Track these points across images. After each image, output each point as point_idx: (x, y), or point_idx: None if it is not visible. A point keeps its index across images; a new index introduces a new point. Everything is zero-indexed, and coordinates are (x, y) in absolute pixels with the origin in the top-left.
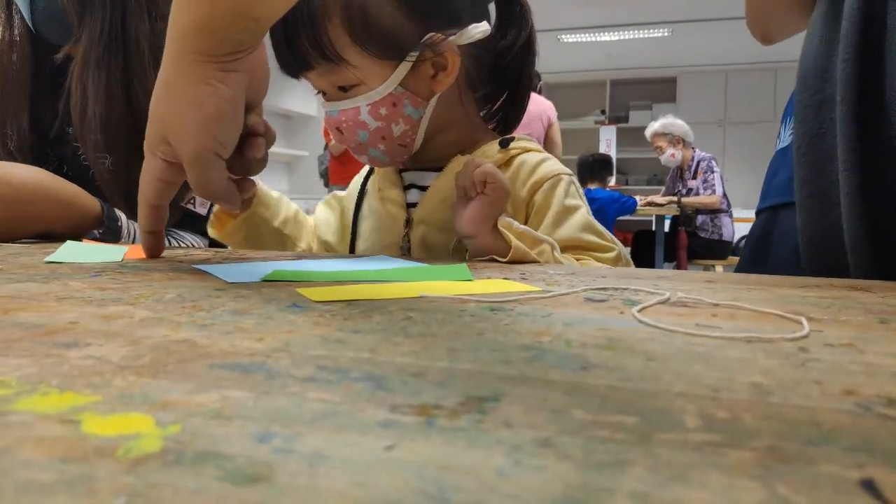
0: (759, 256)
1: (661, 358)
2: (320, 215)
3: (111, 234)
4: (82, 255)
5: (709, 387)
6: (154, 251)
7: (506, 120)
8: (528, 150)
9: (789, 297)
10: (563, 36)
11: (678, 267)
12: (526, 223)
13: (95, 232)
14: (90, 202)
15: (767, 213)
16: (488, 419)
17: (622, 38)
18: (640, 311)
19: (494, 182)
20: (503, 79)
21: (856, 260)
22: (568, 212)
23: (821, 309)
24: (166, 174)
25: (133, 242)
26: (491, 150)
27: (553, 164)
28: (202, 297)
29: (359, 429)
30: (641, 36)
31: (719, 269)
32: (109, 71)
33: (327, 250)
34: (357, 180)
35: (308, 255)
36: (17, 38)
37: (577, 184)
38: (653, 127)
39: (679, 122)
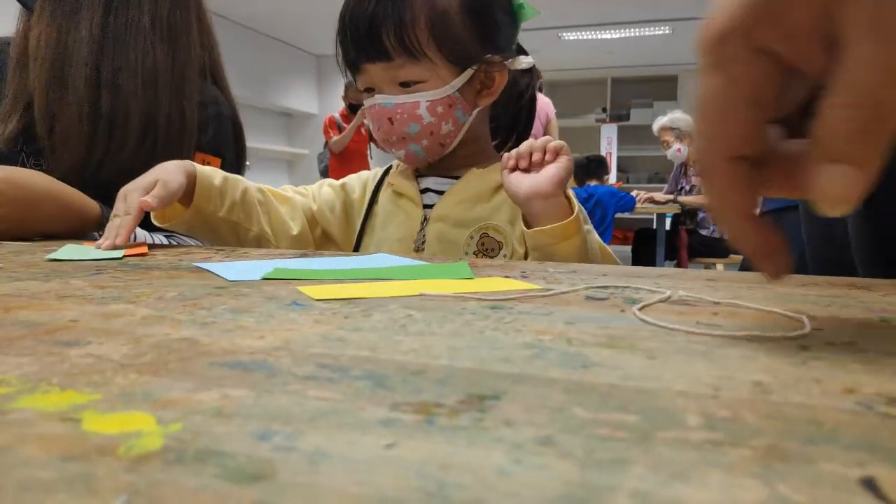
0: None
1: (662, 356)
2: (325, 197)
3: None
4: (82, 254)
5: (709, 385)
6: None
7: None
8: None
9: (790, 296)
10: (565, 34)
11: (679, 266)
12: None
13: (95, 234)
14: (90, 204)
15: (772, 216)
16: (488, 417)
17: (623, 35)
18: (640, 309)
19: (568, 153)
20: (513, 120)
21: (867, 274)
22: None
23: (822, 307)
24: None
25: (135, 241)
26: None
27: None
28: (203, 295)
29: (359, 427)
30: (643, 34)
31: (720, 267)
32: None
33: (324, 234)
34: (367, 180)
35: (309, 252)
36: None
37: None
38: (660, 121)
39: (687, 117)
